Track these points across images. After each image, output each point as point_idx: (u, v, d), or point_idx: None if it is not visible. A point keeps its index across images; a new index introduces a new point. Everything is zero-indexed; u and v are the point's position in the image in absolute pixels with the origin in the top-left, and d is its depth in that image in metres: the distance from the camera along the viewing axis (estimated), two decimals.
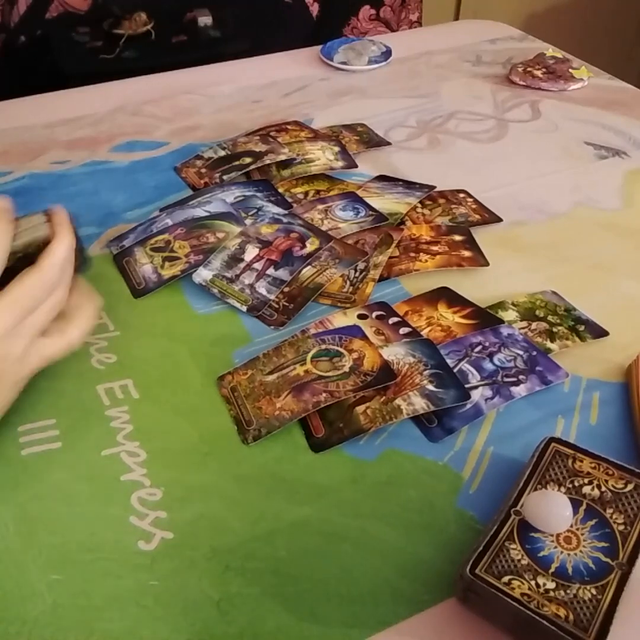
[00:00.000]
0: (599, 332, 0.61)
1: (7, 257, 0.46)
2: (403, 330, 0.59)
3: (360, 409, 0.53)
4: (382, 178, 0.81)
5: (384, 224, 0.72)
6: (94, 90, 1.02)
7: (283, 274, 0.65)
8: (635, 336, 0.61)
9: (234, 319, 0.63)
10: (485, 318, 0.61)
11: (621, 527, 0.43)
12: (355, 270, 0.67)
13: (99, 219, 0.75)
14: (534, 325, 0.61)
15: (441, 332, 0.60)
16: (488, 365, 0.57)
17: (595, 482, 0.45)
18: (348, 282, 0.66)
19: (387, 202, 0.76)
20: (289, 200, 0.76)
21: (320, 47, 1.11)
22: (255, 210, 0.73)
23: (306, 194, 0.78)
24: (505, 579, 0.40)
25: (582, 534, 0.43)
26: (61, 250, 0.48)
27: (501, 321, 0.60)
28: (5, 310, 0.46)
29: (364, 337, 0.58)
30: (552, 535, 0.43)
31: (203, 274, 0.65)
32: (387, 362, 0.55)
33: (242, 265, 0.66)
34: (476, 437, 0.53)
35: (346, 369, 0.55)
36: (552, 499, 0.44)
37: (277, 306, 0.63)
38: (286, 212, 0.73)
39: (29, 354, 0.48)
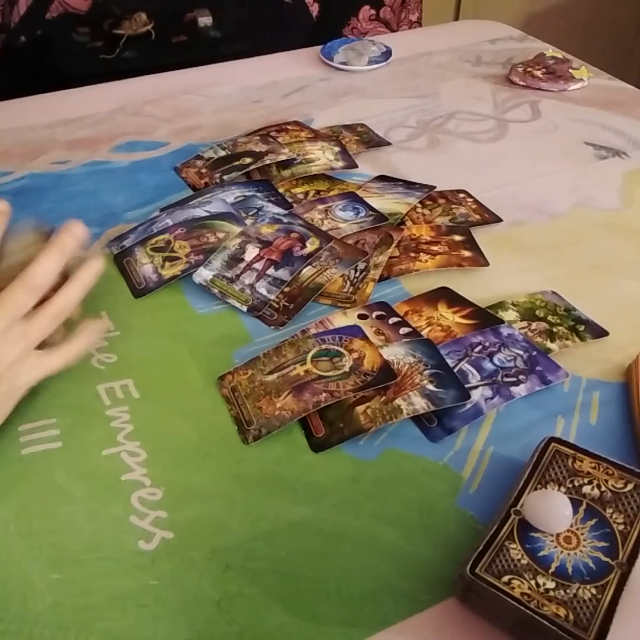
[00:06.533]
0: (599, 332, 0.61)
1: None
2: (403, 330, 0.59)
3: (360, 408, 0.53)
4: (382, 178, 0.81)
5: (384, 224, 0.72)
6: (94, 91, 1.02)
7: (283, 274, 0.65)
8: (635, 336, 0.61)
9: (234, 319, 0.63)
10: (485, 318, 0.61)
11: (621, 527, 0.43)
12: (356, 270, 0.67)
13: (99, 219, 0.75)
14: (534, 325, 0.61)
15: (441, 332, 0.60)
16: (488, 365, 0.57)
17: (595, 481, 0.45)
18: (348, 282, 0.66)
19: (387, 202, 0.76)
20: (289, 200, 0.76)
21: (320, 47, 1.11)
22: (255, 210, 0.73)
23: (306, 194, 0.78)
24: (505, 578, 0.41)
25: (582, 534, 0.43)
26: (47, 260, 0.50)
27: (501, 321, 0.61)
28: None
29: (364, 337, 0.58)
30: (552, 535, 0.43)
31: (203, 274, 0.65)
32: (387, 362, 0.56)
33: (242, 265, 0.66)
34: (476, 437, 0.53)
35: (346, 368, 0.55)
36: (552, 499, 0.44)
37: (277, 306, 0.63)
38: (286, 212, 0.73)
39: (25, 364, 0.49)
